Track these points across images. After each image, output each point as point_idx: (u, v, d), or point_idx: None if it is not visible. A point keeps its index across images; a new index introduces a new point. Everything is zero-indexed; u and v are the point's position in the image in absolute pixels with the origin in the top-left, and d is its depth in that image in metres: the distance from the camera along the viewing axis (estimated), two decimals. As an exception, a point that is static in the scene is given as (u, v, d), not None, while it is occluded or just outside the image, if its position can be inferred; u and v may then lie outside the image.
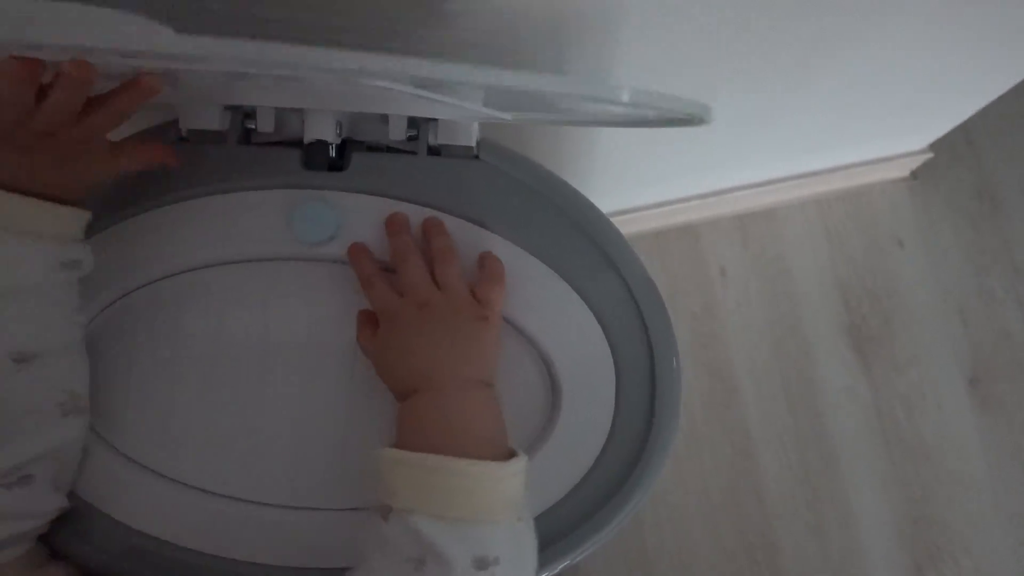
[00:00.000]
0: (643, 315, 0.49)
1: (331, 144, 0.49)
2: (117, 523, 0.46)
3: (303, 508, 0.47)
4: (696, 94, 0.45)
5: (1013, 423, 1.15)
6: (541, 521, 0.47)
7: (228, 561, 0.46)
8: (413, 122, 0.50)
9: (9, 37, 0.32)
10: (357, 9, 0.49)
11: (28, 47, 0.33)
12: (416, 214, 0.50)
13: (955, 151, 1.20)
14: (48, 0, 0.30)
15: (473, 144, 0.50)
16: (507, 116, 0.47)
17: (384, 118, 0.50)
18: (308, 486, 0.48)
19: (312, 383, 0.49)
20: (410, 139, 0.51)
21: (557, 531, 0.47)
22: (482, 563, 0.37)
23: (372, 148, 0.51)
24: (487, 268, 0.48)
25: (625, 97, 0.31)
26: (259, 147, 0.50)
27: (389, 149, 0.51)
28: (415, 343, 0.44)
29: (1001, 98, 0.97)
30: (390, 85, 0.38)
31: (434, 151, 0.50)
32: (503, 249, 0.49)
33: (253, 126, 0.50)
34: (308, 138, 0.48)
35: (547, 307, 0.49)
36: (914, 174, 1.20)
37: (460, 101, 0.45)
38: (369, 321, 0.47)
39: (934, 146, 1.14)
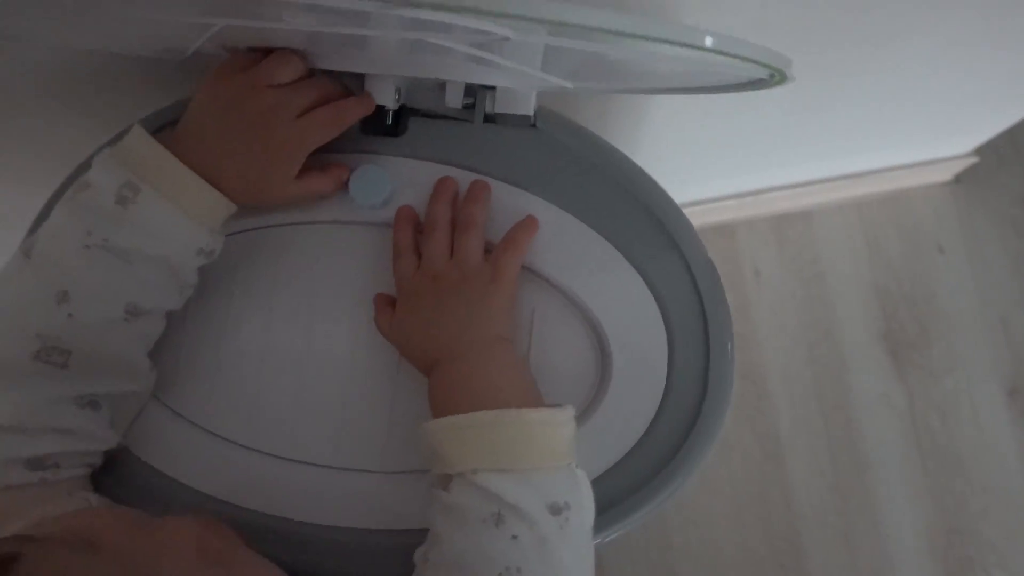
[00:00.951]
0: (701, 296, 0.48)
1: (389, 110, 0.49)
2: (161, 474, 0.46)
3: (347, 469, 0.47)
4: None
5: (1052, 436, 1.13)
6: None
7: (267, 517, 0.46)
8: (470, 90, 0.50)
9: None
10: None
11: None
12: (470, 181, 0.49)
13: (1001, 156, 1.18)
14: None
15: (531, 113, 0.49)
16: (568, 84, 0.46)
17: (441, 86, 0.50)
18: (353, 448, 0.47)
19: (360, 345, 0.48)
20: (467, 107, 0.50)
21: (600, 503, 0.46)
22: (555, 509, 0.38)
23: (428, 115, 0.51)
24: (508, 234, 0.47)
25: (708, 42, 0.30)
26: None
27: (445, 117, 0.51)
28: (428, 317, 0.44)
29: (1052, 103, 0.95)
30: (452, 43, 0.38)
31: (490, 119, 0.50)
32: (558, 219, 0.49)
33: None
34: (368, 103, 0.48)
35: (601, 279, 0.48)
36: (957, 179, 1.18)
37: (519, 64, 0.44)
38: (387, 304, 0.47)
39: (979, 150, 1.12)
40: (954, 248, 1.18)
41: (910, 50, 0.75)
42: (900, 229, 1.19)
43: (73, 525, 0.34)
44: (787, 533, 1.12)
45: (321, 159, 0.47)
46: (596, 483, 0.47)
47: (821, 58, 0.72)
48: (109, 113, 0.57)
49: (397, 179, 0.49)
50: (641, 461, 0.47)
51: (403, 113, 0.50)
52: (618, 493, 0.47)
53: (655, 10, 0.56)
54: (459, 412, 0.40)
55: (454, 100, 0.50)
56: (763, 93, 0.76)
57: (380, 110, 0.49)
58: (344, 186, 0.48)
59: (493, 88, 0.49)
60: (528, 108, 0.49)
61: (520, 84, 0.48)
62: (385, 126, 0.50)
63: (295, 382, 0.48)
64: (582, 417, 0.47)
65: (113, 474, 0.45)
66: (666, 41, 0.29)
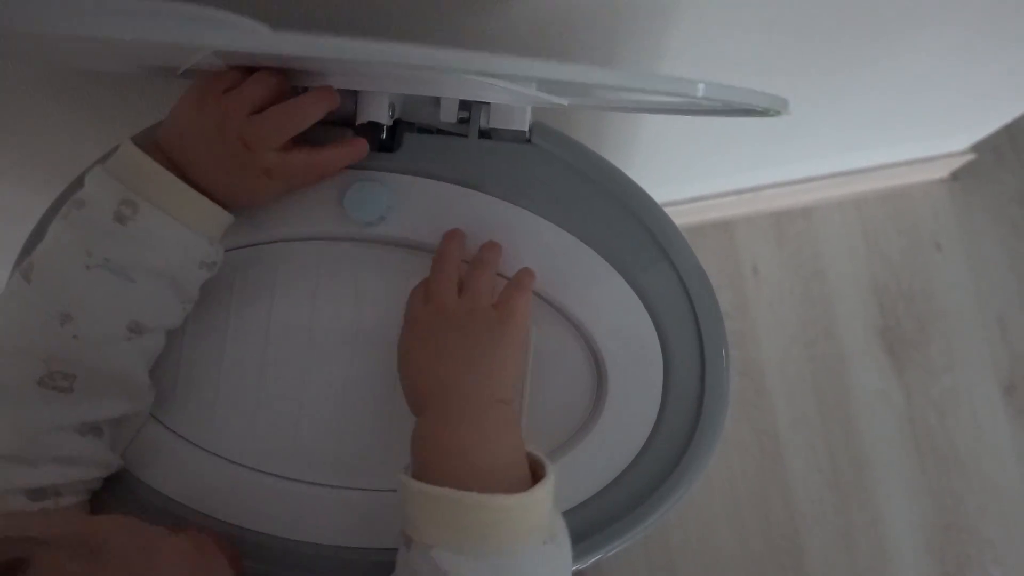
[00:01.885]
0: (694, 305, 0.48)
1: (383, 126, 0.49)
2: (160, 494, 0.46)
3: (346, 488, 0.47)
4: (749, 81, 0.44)
5: (1050, 433, 1.14)
6: (583, 510, 0.47)
7: (264, 536, 0.46)
8: (465, 105, 0.50)
9: (96, 33, 0.31)
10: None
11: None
12: (466, 197, 0.49)
13: (998, 153, 1.18)
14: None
15: (526, 128, 0.49)
16: (563, 102, 0.46)
17: (436, 100, 0.50)
18: (350, 466, 0.47)
19: (357, 364, 0.48)
20: (461, 121, 0.50)
21: (598, 520, 0.47)
22: None
23: (423, 130, 0.51)
24: (515, 276, 0.46)
25: (700, 91, 0.31)
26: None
27: (440, 131, 0.51)
28: (427, 351, 0.43)
29: (1050, 100, 0.95)
30: (452, 74, 0.38)
31: (485, 134, 0.50)
32: (552, 235, 0.49)
33: (305, 105, 0.50)
34: (361, 119, 0.48)
35: (596, 294, 0.48)
36: (955, 176, 1.18)
37: (515, 85, 0.44)
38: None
39: (977, 147, 1.12)
40: (952, 245, 1.18)
41: (908, 49, 0.75)
42: (899, 226, 1.19)
43: (79, 531, 0.34)
44: (786, 530, 1.13)
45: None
46: (595, 500, 0.47)
47: (821, 57, 0.72)
48: (111, 114, 0.57)
49: (392, 195, 0.49)
50: (640, 475, 0.47)
51: (398, 128, 0.50)
52: (618, 509, 0.47)
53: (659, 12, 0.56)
54: (433, 476, 0.38)
55: (449, 115, 0.50)
56: (774, 91, 0.76)
57: (375, 126, 0.49)
58: (340, 201, 0.48)
59: (488, 103, 0.49)
60: (523, 124, 0.49)
61: (515, 100, 0.48)
62: (380, 141, 0.49)
63: (293, 400, 0.48)
64: (579, 434, 0.47)
65: (112, 494, 0.45)
66: (659, 92, 0.29)
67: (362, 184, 0.48)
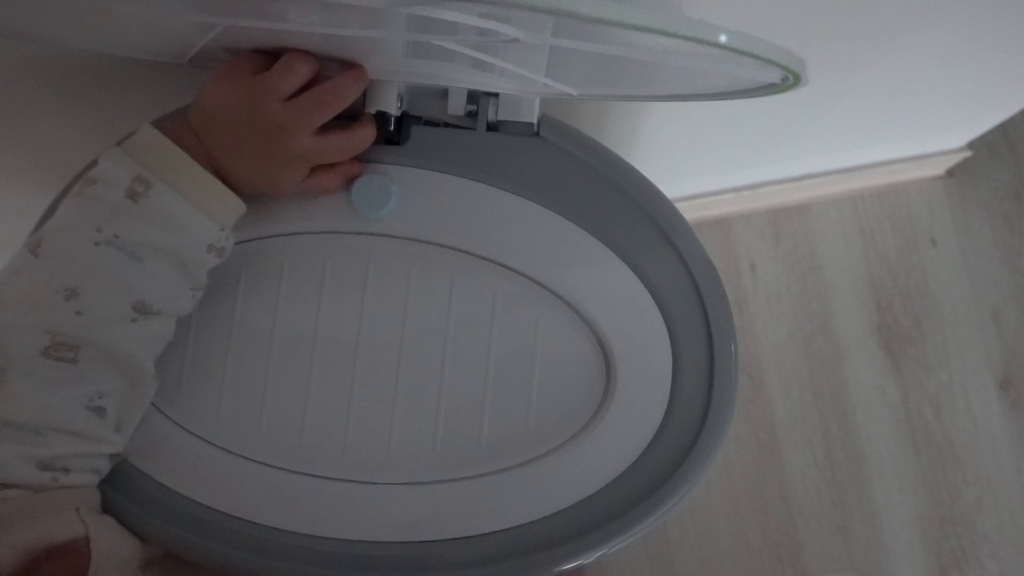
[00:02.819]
0: (702, 298, 0.48)
1: (392, 117, 0.48)
2: (167, 488, 0.46)
3: (352, 481, 0.47)
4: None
5: (1044, 427, 1.14)
6: (592, 502, 0.47)
7: (271, 530, 0.46)
8: (473, 97, 0.50)
9: None
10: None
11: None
12: (473, 190, 0.49)
13: (994, 151, 1.19)
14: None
15: (534, 121, 0.49)
16: (572, 91, 0.46)
17: (443, 93, 0.50)
18: (355, 460, 0.47)
19: (363, 356, 0.48)
20: (469, 114, 0.50)
21: (608, 512, 0.47)
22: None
23: (430, 123, 0.50)
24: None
25: (723, 38, 0.30)
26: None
27: (447, 124, 0.50)
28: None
29: (1045, 97, 0.96)
30: (457, 45, 0.37)
31: (493, 127, 0.50)
32: (561, 228, 0.49)
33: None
34: (369, 109, 0.48)
35: (605, 287, 0.48)
36: (951, 173, 1.19)
37: (523, 69, 0.44)
38: None
39: (972, 145, 1.13)
40: (947, 242, 1.18)
41: (904, 47, 0.75)
42: (895, 223, 1.19)
43: None
44: (783, 524, 1.13)
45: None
46: (604, 493, 0.47)
47: (818, 54, 0.72)
48: (113, 112, 0.57)
49: (400, 188, 0.49)
50: (649, 468, 0.47)
51: (405, 121, 0.50)
52: (627, 501, 0.47)
53: (661, 6, 0.56)
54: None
55: (457, 107, 0.50)
56: None
57: (383, 117, 0.49)
58: (347, 194, 0.48)
59: (496, 95, 0.49)
60: (531, 116, 0.49)
61: (523, 91, 0.48)
62: (387, 133, 0.49)
63: (299, 393, 0.48)
64: (587, 428, 0.47)
65: (119, 489, 0.45)
66: (677, 36, 0.28)
67: (369, 177, 0.48)
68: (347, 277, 0.49)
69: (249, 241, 0.49)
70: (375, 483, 0.47)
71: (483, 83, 0.48)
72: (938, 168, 1.17)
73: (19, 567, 0.36)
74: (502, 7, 0.29)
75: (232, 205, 0.44)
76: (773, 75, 0.35)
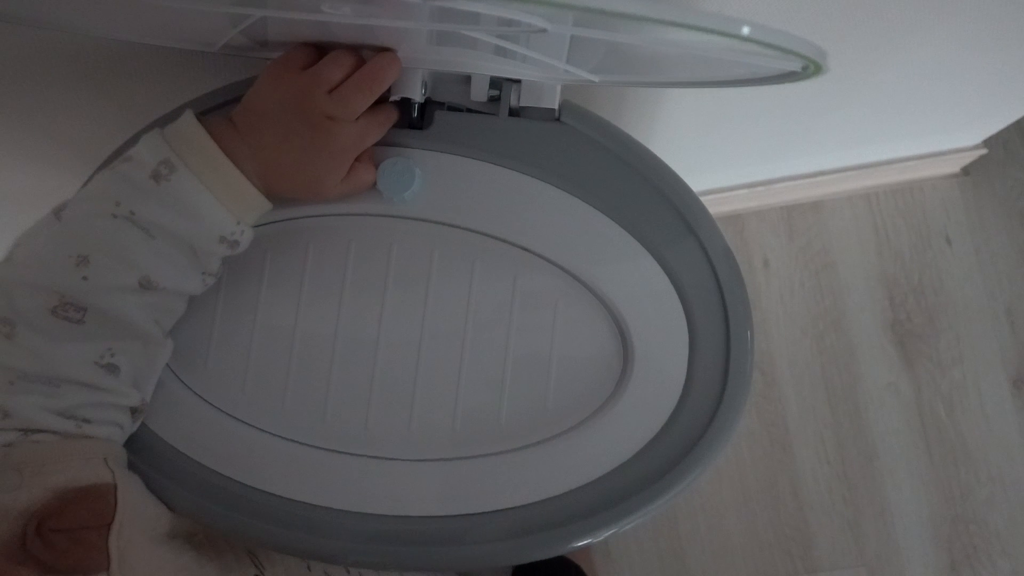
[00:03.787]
0: (720, 285, 0.49)
1: (415, 103, 0.50)
2: (193, 461, 0.48)
3: (373, 457, 0.48)
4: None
5: (1058, 426, 1.14)
6: (607, 480, 0.48)
7: (293, 503, 0.47)
8: (495, 83, 0.51)
9: None
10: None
11: None
12: (495, 174, 0.50)
13: (1009, 149, 1.19)
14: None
15: (555, 107, 0.50)
16: (593, 78, 0.47)
17: (466, 79, 0.51)
18: (377, 436, 0.48)
19: (385, 335, 0.49)
20: (491, 100, 0.51)
21: (622, 491, 0.47)
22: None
23: (453, 108, 0.51)
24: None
25: (745, 31, 0.31)
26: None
27: (470, 110, 0.51)
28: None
29: (1062, 95, 0.96)
30: (483, 34, 0.38)
31: (515, 113, 0.51)
32: (581, 212, 0.50)
33: (339, 83, 0.51)
34: (394, 95, 0.49)
35: (623, 271, 0.49)
36: (966, 170, 1.19)
37: (545, 57, 0.45)
38: None
39: (988, 142, 1.13)
40: (961, 240, 1.18)
41: (918, 44, 0.75)
42: (909, 220, 1.19)
43: None
44: (794, 520, 1.13)
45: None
46: (618, 472, 0.48)
47: (833, 51, 0.72)
48: (145, 99, 0.58)
49: (423, 171, 0.50)
50: (663, 449, 0.48)
51: (429, 106, 0.51)
52: (639, 482, 0.48)
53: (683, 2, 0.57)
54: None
55: (479, 93, 0.51)
56: (777, 87, 0.77)
57: (407, 103, 0.50)
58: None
59: (518, 82, 0.50)
60: (553, 102, 0.50)
61: (545, 78, 0.49)
62: (411, 119, 0.50)
63: (322, 371, 0.49)
64: (605, 407, 0.48)
65: (146, 459, 0.46)
66: (700, 29, 0.29)
67: (394, 160, 0.49)
68: (371, 258, 0.50)
69: (277, 222, 0.50)
70: (395, 459, 0.48)
71: (505, 70, 0.49)
72: (953, 166, 1.17)
73: (48, 506, 0.37)
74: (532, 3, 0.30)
75: (252, 201, 0.46)
76: (794, 64, 0.36)
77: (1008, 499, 1.12)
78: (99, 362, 0.42)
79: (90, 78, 0.56)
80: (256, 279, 0.50)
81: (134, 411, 0.45)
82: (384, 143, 0.50)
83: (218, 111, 0.52)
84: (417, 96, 0.49)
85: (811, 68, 0.34)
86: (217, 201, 0.44)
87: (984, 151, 1.13)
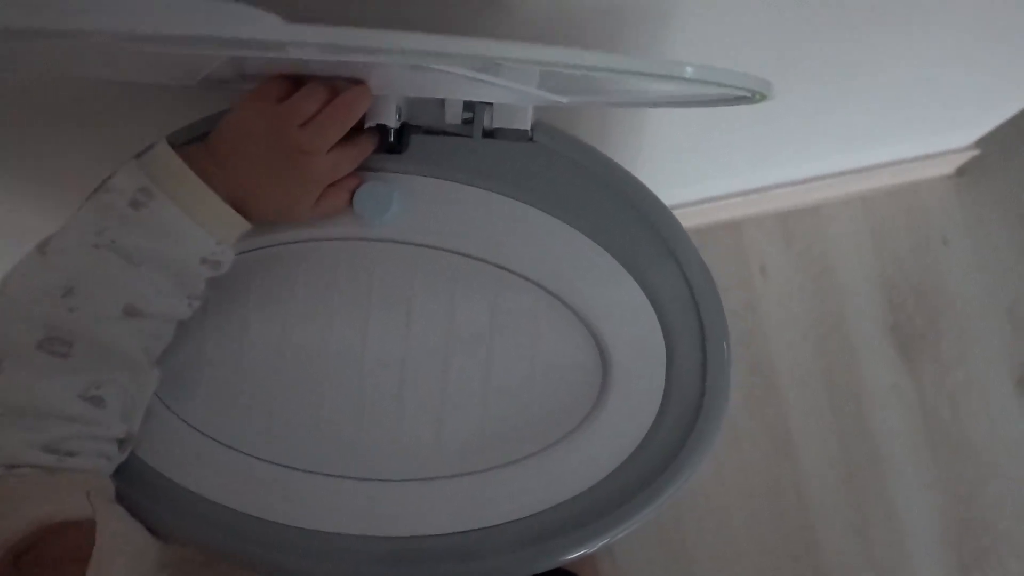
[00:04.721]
0: (696, 298, 0.50)
1: (391, 128, 0.51)
2: (180, 487, 0.48)
3: (359, 479, 0.49)
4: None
5: (1063, 424, 1.14)
6: (587, 496, 0.48)
7: (280, 527, 0.48)
8: (469, 105, 0.52)
9: (110, 29, 0.33)
10: (413, 3, 0.51)
11: (134, 38, 0.35)
12: (472, 195, 0.51)
13: (1004, 148, 1.18)
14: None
15: (528, 127, 0.51)
16: (563, 99, 0.48)
17: (441, 102, 0.52)
18: (365, 457, 0.49)
19: (371, 357, 0.50)
20: (466, 122, 0.52)
21: (602, 506, 0.48)
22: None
23: (429, 131, 0.52)
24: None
25: (688, 72, 0.32)
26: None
27: (445, 133, 0.52)
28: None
29: (1053, 92, 0.96)
30: (455, 69, 0.40)
31: (489, 134, 0.52)
32: (557, 230, 0.50)
33: (316, 111, 0.52)
34: (369, 123, 0.50)
35: (600, 287, 0.50)
36: (961, 171, 1.19)
37: (516, 84, 0.46)
38: None
39: (981, 143, 1.13)
40: (960, 240, 1.18)
41: (909, 47, 0.76)
42: (906, 222, 1.19)
43: None
44: (800, 525, 1.13)
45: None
46: (601, 485, 0.49)
47: (822, 56, 0.73)
48: (125, 132, 0.59)
49: (401, 194, 0.51)
50: (644, 462, 0.49)
51: (405, 130, 0.52)
52: (623, 494, 0.48)
53: (656, 19, 0.58)
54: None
55: (453, 116, 0.52)
56: (774, 92, 0.77)
57: (382, 128, 0.51)
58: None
59: (491, 104, 0.51)
60: (525, 123, 0.51)
61: (517, 100, 0.50)
62: (387, 143, 0.51)
63: (309, 395, 0.50)
64: (585, 421, 0.49)
65: (135, 486, 0.47)
66: (650, 75, 0.31)
67: (371, 185, 0.50)
68: (353, 281, 0.51)
69: (259, 249, 0.51)
70: (381, 480, 0.49)
71: (478, 94, 0.50)
72: (948, 167, 1.17)
73: (26, 540, 0.37)
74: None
75: (231, 222, 0.47)
76: (743, 92, 0.37)
77: (1016, 499, 1.12)
78: (84, 395, 0.43)
79: (73, 116, 0.58)
80: (241, 306, 0.51)
81: (121, 442, 0.46)
82: (362, 167, 0.51)
83: (202, 141, 0.53)
84: (392, 122, 0.50)
85: (758, 96, 0.35)
86: (195, 223, 0.45)
87: (977, 152, 1.13)
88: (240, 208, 0.47)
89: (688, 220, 1.16)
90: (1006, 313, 1.16)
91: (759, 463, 1.15)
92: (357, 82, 0.47)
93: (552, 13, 0.54)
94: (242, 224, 0.47)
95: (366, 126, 0.50)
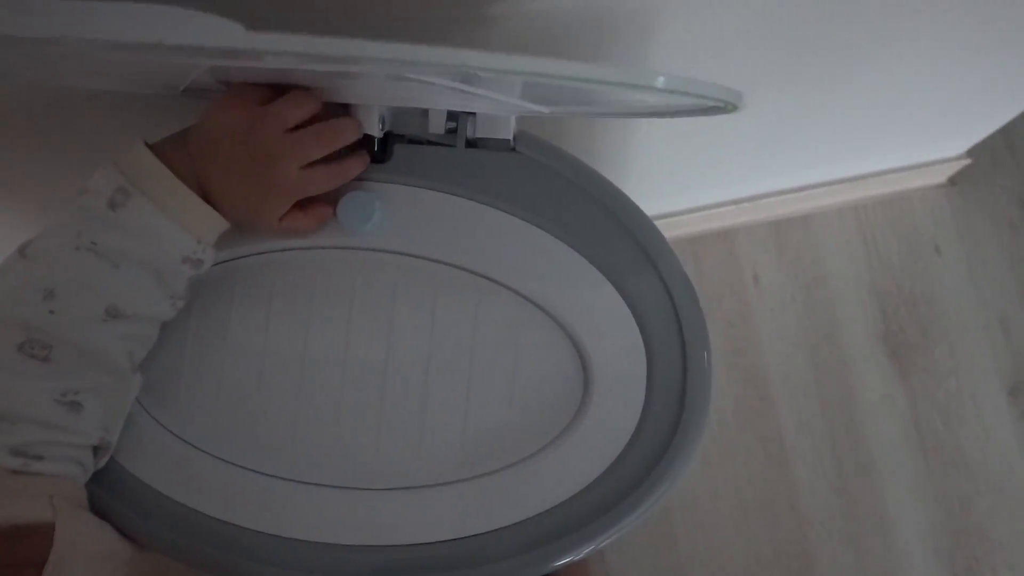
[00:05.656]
0: (676, 308, 0.50)
1: (375, 138, 0.51)
2: (160, 494, 0.48)
3: (341, 487, 0.49)
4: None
5: (1056, 434, 1.13)
6: (568, 506, 0.48)
7: (259, 535, 0.48)
8: (452, 115, 0.52)
9: (78, 35, 0.34)
10: (399, 10, 0.51)
11: (105, 46, 0.35)
12: (455, 205, 0.51)
13: (995, 157, 1.19)
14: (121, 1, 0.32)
15: (510, 137, 0.51)
16: (544, 110, 0.48)
17: (425, 112, 0.52)
18: (344, 466, 0.49)
19: (351, 366, 0.50)
20: (449, 132, 0.52)
21: (583, 516, 0.48)
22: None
23: (413, 140, 0.53)
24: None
25: (660, 82, 0.33)
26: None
27: (429, 142, 0.53)
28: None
29: (1043, 102, 0.96)
30: (437, 79, 0.40)
31: (472, 144, 0.52)
32: (539, 240, 0.51)
33: (300, 120, 0.53)
34: (352, 131, 0.50)
35: (581, 296, 0.50)
36: (952, 180, 1.19)
37: (498, 94, 0.46)
38: None
39: (972, 152, 1.13)
40: (951, 249, 1.18)
41: (897, 58, 0.76)
42: (898, 231, 1.20)
43: None
44: (793, 536, 1.13)
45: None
46: (584, 494, 0.49)
47: (812, 65, 0.73)
48: (104, 142, 0.60)
49: (384, 204, 0.51)
50: (626, 471, 0.49)
51: (388, 140, 0.52)
52: (605, 502, 0.48)
53: (639, 31, 0.58)
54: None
55: (437, 126, 0.52)
56: (761, 102, 0.78)
57: (366, 138, 0.51)
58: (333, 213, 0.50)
59: (474, 114, 0.51)
60: (507, 133, 0.51)
61: (499, 110, 0.50)
62: (371, 153, 0.52)
63: (290, 403, 0.50)
64: (567, 430, 0.49)
65: (113, 493, 0.47)
66: (623, 85, 0.31)
67: (355, 194, 0.50)
68: (335, 290, 0.51)
69: (242, 258, 0.51)
70: (361, 489, 0.49)
71: (461, 104, 0.50)
72: (939, 176, 1.18)
73: None
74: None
75: (209, 220, 0.47)
76: (713, 102, 0.38)
77: (1010, 510, 1.11)
78: (61, 400, 0.42)
79: (51, 124, 0.58)
80: (224, 313, 0.51)
81: (97, 449, 0.45)
82: (346, 176, 0.51)
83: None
84: (375, 131, 0.50)
85: (728, 106, 0.36)
86: (173, 221, 0.45)
87: (968, 161, 1.14)
88: (215, 205, 0.46)
89: (680, 228, 1.16)
90: (998, 322, 1.16)
91: (752, 475, 1.14)
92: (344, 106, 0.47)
93: (538, 24, 0.55)
94: (219, 221, 0.47)
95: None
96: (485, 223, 0.51)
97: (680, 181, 1.04)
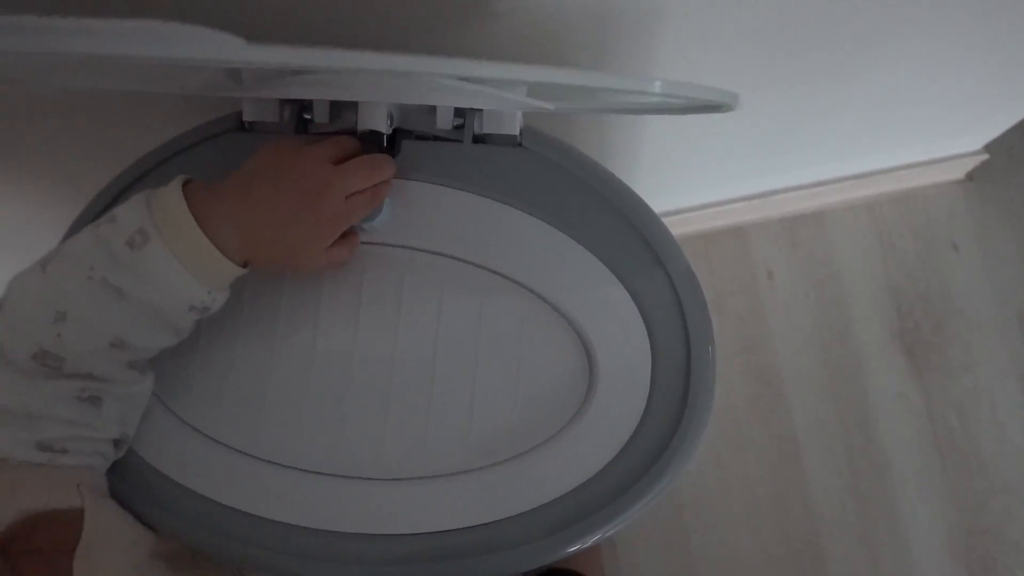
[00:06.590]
0: (681, 302, 0.50)
1: (383, 134, 0.51)
2: (174, 483, 0.49)
3: (349, 477, 0.49)
4: (743, 90, 0.46)
5: (1074, 433, 1.12)
6: (574, 495, 0.49)
7: (271, 523, 0.49)
8: (459, 111, 0.52)
9: (79, 51, 0.34)
10: (406, 8, 0.52)
11: (103, 60, 0.36)
12: (462, 199, 0.52)
13: (1012, 152, 1.17)
14: (122, 20, 0.33)
15: (516, 132, 0.52)
16: (549, 106, 0.48)
17: (432, 109, 0.53)
18: (353, 456, 0.50)
19: (360, 358, 0.51)
20: (456, 128, 0.53)
21: (589, 506, 0.48)
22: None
23: (420, 136, 0.53)
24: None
25: (657, 87, 0.33)
26: (315, 136, 0.53)
27: (436, 138, 0.53)
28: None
29: (1060, 97, 0.95)
30: (441, 82, 0.41)
31: (479, 139, 0.53)
32: (545, 234, 0.51)
33: (310, 117, 0.53)
34: (362, 128, 0.51)
35: (586, 290, 0.50)
36: (970, 176, 1.18)
37: (504, 93, 0.47)
38: None
39: (990, 147, 1.12)
40: (968, 246, 1.17)
41: (910, 53, 0.76)
42: (913, 228, 1.19)
43: None
44: (806, 535, 1.12)
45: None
46: (587, 485, 0.49)
47: (828, 60, 0.73)
48: (132, 132, 0.61)
49: (392, 199, 0.52)
50: (630, 463, 0.49)
51: (396, 136, 0.53)
52: (609, 493, 0.49)
53: (643, 30, 0.58)
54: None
55: (444, 122, 0.53)
56: (772, 97, 0.77)
57: (375, 135, 0.52)
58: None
59: (481, 110, 0.52)
60: (514, 128, 0.51)
61: (505, 107, 0.51)
62: (380, 149, 0.52)
63: (300, 395, 0.51)
64: (571, 423, 0.49)
65: (129, 483, 0.48)
66: (623, 91, 0.32)
67: (363, 189, 0.51)
68: (343, 284, 0.52)
69: (252, 252, 0.52)
70: (369, 479, 0.49)
71: (468, 102, 0.50)
72: (957, 172, 1.16)
73: (14, 528, 0.39)
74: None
75: (225, 272, 0.46)
76: (710, 103, 0.38)
77: (1025, 509, 1.10)
78: (80, 396, 0.44)
79: (80, 119, 0.59)
80: (236, 308, 0.52)
81: (117, 442, 0.47)
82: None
83: (201, 145, 0.54)
84: (383, 128, 0.51)
85: (725, 106, 0.36)
86: (188, 272, 0.44)
87: (986, 156, 1.12)
88: (244, 249, 0.46)
89: (693, 224, 1.16)
90: (1015, 319, 1.15)
91: (764, 472, 1.14)
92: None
93: (543, 20, 0.55)
94: (236, 272, 0.47)
95: (359, 132, 0.51)
96: (492, 218, 0.52)
97: (691, 177, 1.04)
